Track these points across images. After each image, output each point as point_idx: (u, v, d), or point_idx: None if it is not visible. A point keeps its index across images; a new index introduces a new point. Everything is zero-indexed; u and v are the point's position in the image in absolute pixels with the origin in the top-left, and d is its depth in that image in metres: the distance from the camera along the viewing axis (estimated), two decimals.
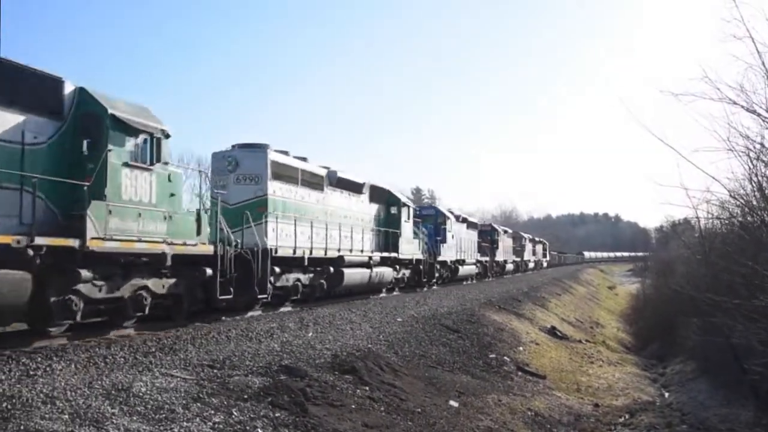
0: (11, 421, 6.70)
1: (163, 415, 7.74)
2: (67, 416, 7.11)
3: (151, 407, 7.89)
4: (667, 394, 21.92)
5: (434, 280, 34.97)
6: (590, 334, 34.58)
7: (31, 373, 8.60)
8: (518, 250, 63.17)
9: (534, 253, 76.38)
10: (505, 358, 18.83)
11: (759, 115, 13.64)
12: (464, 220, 43.04)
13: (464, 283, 41.94)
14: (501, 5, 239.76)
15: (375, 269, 25.59)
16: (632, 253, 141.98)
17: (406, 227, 29.91)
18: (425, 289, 32.97)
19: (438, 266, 35.36)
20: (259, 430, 8.04)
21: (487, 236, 50.66)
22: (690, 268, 27.66)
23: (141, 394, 8.23)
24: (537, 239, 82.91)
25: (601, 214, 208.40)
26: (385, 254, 27.08)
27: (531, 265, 72.55)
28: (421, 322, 19.03)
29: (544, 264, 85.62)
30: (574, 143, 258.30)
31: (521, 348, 21.43)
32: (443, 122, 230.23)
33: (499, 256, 54.50)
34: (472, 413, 12.34)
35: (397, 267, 28.68)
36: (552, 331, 28.01)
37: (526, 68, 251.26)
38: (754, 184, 15.46)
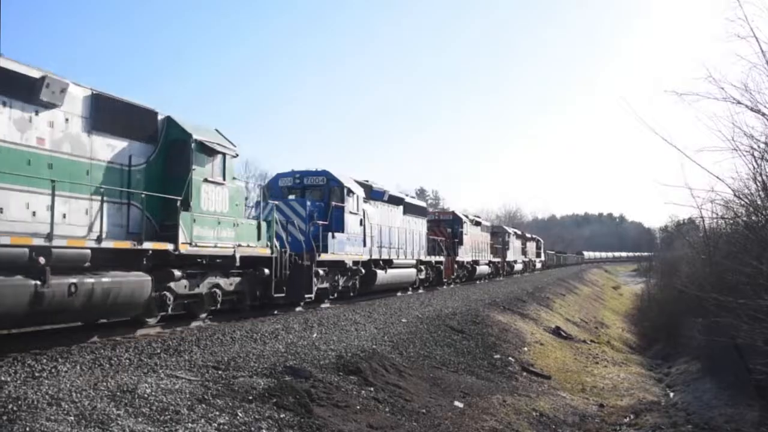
0: (17, 422, 6.72)
1: (168, 417, 7.75)
2: (72, 418, 7.12)
3: (156, 408, 7.90)
4: (672, 394, 21.88)
5: (453, 279, 37.62)
6: (595, 334, 34.52)
7: (37, 374, 8.61)
8: (497, 248, 53.65)
9: (523, 252, 64.97)
10: (510, 358, 18.82)
11: (763, 114, 13.63)
12: (477, 223, 45.42)
13: (477, 282, 43.69)
14: (504, 7, 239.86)
15: (487, 267, 44.78)
16: (634, 253, 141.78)
17: (512, 245, 52.65)
18: (444, 287, 35.60)
19: (456, 267, 38.07)
20: (264, 431, 8.05)
21: (498, 237, 53.25)
22: (694, 268, 27.62)
23: (146, 395, 8.24)
24: (528, 236, 72.33)
25: (605, 214, 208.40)
26: (495, 259, 43.59)
27: (517, 266, 60.45)
28: (426, 323, 19.03)
29: (537, 265, 74.90)
30: (579, 143, 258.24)
31: (526, 348, 21.41)
32: (448, 123, 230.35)
33: (510, 257, 55.89)
34: (477, 414, 12.34)
35: (421, 268, 31.53)
36: (557, 332, 27.99)
37: (531, 69, 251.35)
38: (758, 184, 15.42)
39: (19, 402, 7.25)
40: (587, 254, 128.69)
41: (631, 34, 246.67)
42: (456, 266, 38.18)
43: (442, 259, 35.28)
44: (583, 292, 57.26)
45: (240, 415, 8.32)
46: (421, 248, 31.37)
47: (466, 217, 43.01)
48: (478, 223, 45.59)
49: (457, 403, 12.51)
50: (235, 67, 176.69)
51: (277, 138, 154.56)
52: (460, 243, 39.29)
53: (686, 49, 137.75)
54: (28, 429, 6.60)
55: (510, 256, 55.38)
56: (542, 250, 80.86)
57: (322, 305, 20.74)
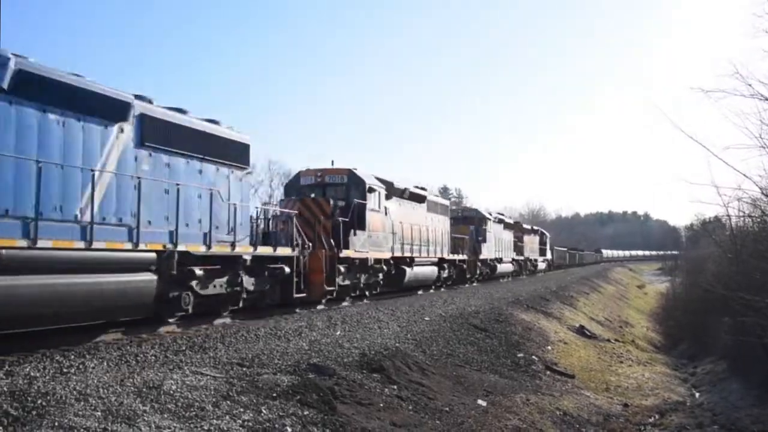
0: (46, 417, 6.81)
1: (194, 413, 7.81)
2: (99, 413, 7.20)
3: (181, 405, 7.97)
4: (697, 395, 21.71)
5: (476, 277, 37.94)
6: (619, 333, 34.33)
7: (65, 370, 8.72)
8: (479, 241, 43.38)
9: (516, 247, 49.87)
10: (534, 357, 18.76)
11: None
12: (500, 221, 44.90)
13: (501, 280, 43.87)
14: (527, 4, 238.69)
15: (510, 265, 45.82)
16: (658, 252, 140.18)
17: (527, 240, 52.37)
18: (467, 285, 35.73)
19: (480, 264, 38.28)
20: (287, 428, 8.09)
21: (519, 234, 52.08)
22: (721, 266, 27.34)
23: (172, 391, 8.32)
24: (527, 227, 58.17)
25: (630, 212, 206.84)
26: (517, 257, 45.42)
27: (503, 267, 44.48)
28: (449, 321, 19.02)
29: (540, 265, 61.16)
30: (603, 141, 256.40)
31: (549, 347, 21.33)
32: (471, 121, 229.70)
33: (486, 252, 44.04)
34: (500, 412, 12.31)
35: (444, 266, 31.48)
36: (581, 330, 27.85)
37: (555, 66, 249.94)
38: None
39: (48, 397, 7.35)
40: (607, 252, 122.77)
41: (656, 32, 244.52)
42: (479, 264, 37.97)
43: (464, 257, 34.89)
44: (607, 290, 56.92)
45: (264, 411, 8.36)
46: (443, 246, 31.15)
47: (490, 214, 42.78)
48: (501, 221, 44.95)
49: (480, 402, 12.49)
50: (257, 67, 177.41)
51: (300, 137, 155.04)
52: (484, 240, 38.99)
53: (713, 46, 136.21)
54: (56, 424, 6.69)
55: (486, 252, 39.89)
56: (548, 246, 67.29)
57: (343, 303, 20.87)
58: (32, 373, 8.29)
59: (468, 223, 38.32)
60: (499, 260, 43.40)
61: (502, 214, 47.62)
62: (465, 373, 14.40)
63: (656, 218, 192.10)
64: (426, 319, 18.67)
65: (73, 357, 9.55)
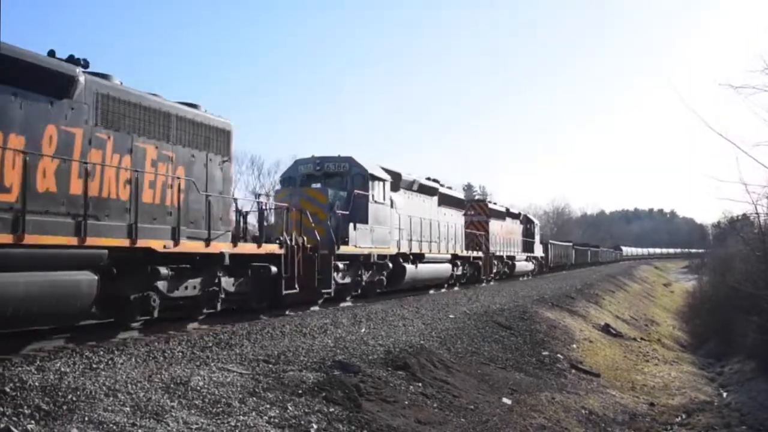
0: (76, 412, 6.91)
1: (220, 409, 7.89)
2: (128, 408, 7.30)
3: (208, 401, 8.05)
4: (725, 394, 21.48)
5: (492, 276, 36.31)
6: (645, 331, 34.07)
7: (94, 366, 8.82)
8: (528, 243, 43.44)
9: (475, 240, 34.00)
10: (559, 355, 18.68)
11: None
12: (511, 214, 42.20)
13: (520, 279, 42.29)
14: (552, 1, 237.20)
15: (524, 263, 43.31)
16: (684, 249, 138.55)
17: (537, 238, 48.24)
18: (483, 284, 34.15)
19: (496, 261, 36.91)
20: (313, 424, 8.14)
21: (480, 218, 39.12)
22: (749, 265, 27.04)
23: (199, 387, 8.40)
24: (498, 208, 39.73)
25: (656, 209, 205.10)
26: (527, 254, 43.12)
27: (442, 269, 27.91)
28: (474, 319, 18.99)
29: (522, 265, 43.33)
30: (629, 138, 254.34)
31: (574, 345, 21.23)
32: (495, 119, 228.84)
33: (496, 248, 38.11)
34: (526, 411, 12.29)
35: (457, 263, 29.76)
36: (606, 329, 27.67)
37: (580, 63, 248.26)
38: None
39: (78, 392, 7.45)
40: (628, 250, 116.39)
41: (683, 28, 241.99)
42: (496, 262, 36.68)
43: (480, 254, 33.25)
44: (632, 289, 56.48)
45: (290, 408, 8.42)
46: (457, 242, 29.92)
47: (508, 210, 41.42)
48: (511, 214, 42.00)
49: (505, 400, 12.48)
50: (274, 63, 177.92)
51: (320, 134, 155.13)
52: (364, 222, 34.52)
53: (741, 42, 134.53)
54: (86, 419, 6.78)
55: (405, 244, 24.52)
56: (537, 239, 50.15)
57: (342, 304, 19.39)
58: (63, 369, 8.40)
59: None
60: (513, 258, 40.54)
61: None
62: (490, 371, 14.38)
63: (683, 216, 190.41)
64: (451, 316, 18.66)
65: (102, 353, 9.66)
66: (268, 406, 8.33)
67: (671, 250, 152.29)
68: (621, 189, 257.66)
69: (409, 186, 25.06)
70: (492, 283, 35.87)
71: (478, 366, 14.39)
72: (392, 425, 9.05)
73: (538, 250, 50.78)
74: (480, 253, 33.36)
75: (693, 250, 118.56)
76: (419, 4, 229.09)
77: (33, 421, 6.52)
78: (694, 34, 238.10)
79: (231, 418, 7.65)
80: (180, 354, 10.20)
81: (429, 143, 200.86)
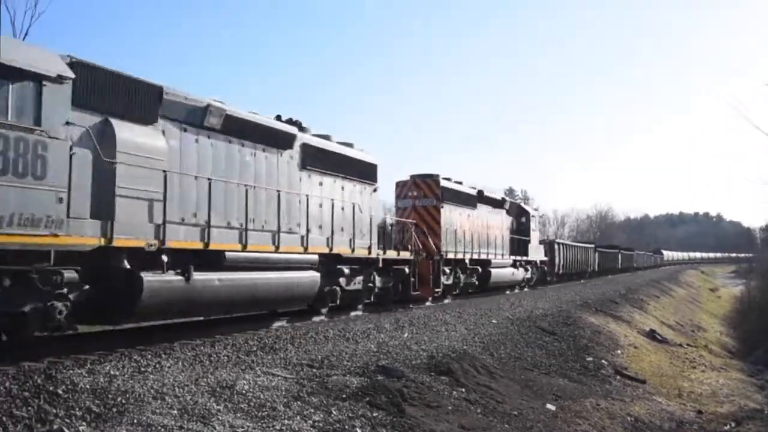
0: (125, 414, 7.04)
1: (266, 413, 7.97)
2: (175, 411, 7.41)
3: (253, 404, 8.14)
4: None
5: (436, 292, 24.96)
6: (691, 337, 33.47)
7: (142, 369, 8.97)
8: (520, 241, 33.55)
9: (434, 236, 24.04)
10: (603, 361, 18.44)
11: None
12: (486, 199, 29.98)
13: (507, 292, 31.41)
14: (598, 6, 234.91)
15: (511, 269, 31.92)
16: (729, 254, 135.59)
17: (534, 235, 36.25)
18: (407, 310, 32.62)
19: (448, 269, 27.70)
20: (357, 429, 8.16)
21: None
22: None
23: (244, 391, 8.50)
24: (467, 190, 28.03)
25: (701, 213, 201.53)
26: (517, 257, 33.03)
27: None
28: (516, 324, 18.87)
29: (513, 273, 32.30)
30: (673, 140, 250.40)
31: (619, 351, 20.95)
32: (538, 123, 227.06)
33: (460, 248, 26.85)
34: (570, 417, 12.17)
35: (528, 268, 33.84)
36: (651, 335, 27.25)
37: (626, 67, 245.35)
38: None
39: (127, 395, 7.59)
40: (669, 254, 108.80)
41: (726, 28, 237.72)
42: (448, 269, 25.01)
43: (407, 255, 21.17)
44: (678, 294, 55.52)
45: (334, 413, 8.46)
46: (358, 233, 26.25)
47: (481, 194, 29.41)
48: (488, 200, 30.29)
49: (549, 406, 12.37)
50: (326, 65, 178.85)
51: (372, 140, 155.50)
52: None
53: None
54: (135, 421, 6.91)
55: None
56: (534, 237, 36.42)
57: (446, 300, 24.46)
58: (112, 372, 8.56)
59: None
60: (487, 263, 28.44)
61: (564, 215, 25.58)
62: (533, 376, 14.26)
63: (729, 219, 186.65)
64: (493, 321, 18.57)
65: (149, 356, 9.82)
66: (312, 410, 8.38)
67: (717, 255, 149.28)
68: (665, 192, 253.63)
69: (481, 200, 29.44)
70: (427, 304, 22.70)
71: (521, 371, 14.28)
72: (436, 430, 9.04)
73: (537, 252, 37.16)
74: (408, 254, 21.13)
75: (740, 255, 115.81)
76: (466, 6, 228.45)
77: (84, 423, 6.66)
78: (742, 34, 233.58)
79: (276, 422, 7.73)
80: (225, 358, 10.33)
81: (471, 147, 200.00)
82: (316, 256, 15.76)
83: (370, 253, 18.48)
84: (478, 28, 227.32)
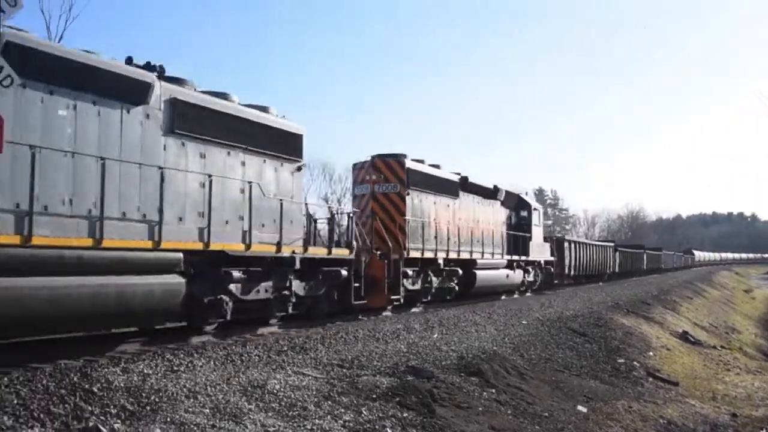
0: (159, 413, 7.14)
1: (297, 412, 8.01)
2: (208, 410, 7.49)
3: (284, 404, 8.20)
4: None
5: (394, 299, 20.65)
6: (725, 339, 33.01)
7: (175, 368, 9.08)
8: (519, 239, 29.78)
9: (397, 229, 20.29)
10: (635, 363, 18.27)
11: None
12: (473, 188, 25.84)
13: (503, 298, 27.89)
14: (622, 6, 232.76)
15: (505, 271, 26.90)
16: (763, 255, 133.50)
17: (536, 231, 31.13)
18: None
19: (412, 272, 23.25)
20: (387, 429, 8.18)
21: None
22: None
23: (275, 391, 8.56)
24: (468, 181, 25.15)
25: (735, 213, 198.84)
26: (515, 257, 28.16)
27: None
28: (547, 325, 18.78)
29: (511, 276, 28.03)
30: (706, 139, 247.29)
31: (651, 353, 20.74)
32: (567, 123, 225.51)
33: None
34: (601, 419, 12.08)
35: (529, 269, 29.43)
36: (684, 336, 26.92)
37: (657, 66, 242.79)
38: None
39: (161, 394, 7.69)
40: (701, 255, 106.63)
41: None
42: (411, 272, 20.75)
43: (347, 253, 18.90)
44: (711, 295, 54.81)
45: (364, 413, 8.49)
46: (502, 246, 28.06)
47: (466, 181, 25.17)
48: (477, 189, 26.36)
49: (580, 408, 12.29)
50: (348, 65, 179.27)
51: (394, 140, 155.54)
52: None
53: None
54: (168, 419, 7.00)
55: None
56: (537, 234, 32.15)
57: (413, 309, 19.83)
58: (145, 371, 8.68)
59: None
60: (473, 263, 24.74)
61: (595, 215, 23.37)
62: (564, 378, 14.18)
63: (764, 219, 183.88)
64: (523, 322, 18.50)
65: (182, 355, 9.94)
66: (342, 410, 8.42)
67: (751, 255, 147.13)
68: (698, 192, 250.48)
69: (465, 189, 25.10)
70: (385, 314, 18.85)
71: (552, 373, 14.21)
72: (466, 431, 9.04)
73: (541, 251, 32.90)
74: (348, 252, 17.17)
75: None
76: (496, 8, 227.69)
77: (119, 421, 6.76)
78: None
79: (307, 422, 7.77)
80: (257, 357, 10.41)
81: (501, 147, 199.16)
82: (179, 254, 11.77)
83: (279, 250, 14.26)
84: (508, 24, 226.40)
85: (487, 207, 26.97)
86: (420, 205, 21.47)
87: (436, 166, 23.34)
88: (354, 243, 17.44)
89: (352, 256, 17.04)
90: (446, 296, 22.72)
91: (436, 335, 14.47)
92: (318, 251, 15.96)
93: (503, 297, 27.55)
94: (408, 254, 19.91)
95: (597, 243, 49.71)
